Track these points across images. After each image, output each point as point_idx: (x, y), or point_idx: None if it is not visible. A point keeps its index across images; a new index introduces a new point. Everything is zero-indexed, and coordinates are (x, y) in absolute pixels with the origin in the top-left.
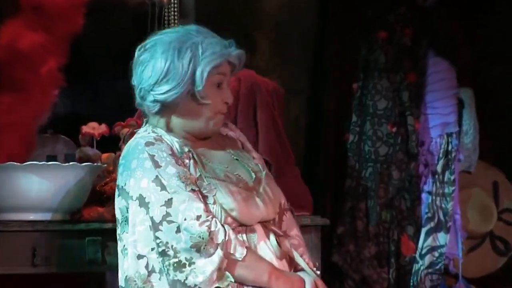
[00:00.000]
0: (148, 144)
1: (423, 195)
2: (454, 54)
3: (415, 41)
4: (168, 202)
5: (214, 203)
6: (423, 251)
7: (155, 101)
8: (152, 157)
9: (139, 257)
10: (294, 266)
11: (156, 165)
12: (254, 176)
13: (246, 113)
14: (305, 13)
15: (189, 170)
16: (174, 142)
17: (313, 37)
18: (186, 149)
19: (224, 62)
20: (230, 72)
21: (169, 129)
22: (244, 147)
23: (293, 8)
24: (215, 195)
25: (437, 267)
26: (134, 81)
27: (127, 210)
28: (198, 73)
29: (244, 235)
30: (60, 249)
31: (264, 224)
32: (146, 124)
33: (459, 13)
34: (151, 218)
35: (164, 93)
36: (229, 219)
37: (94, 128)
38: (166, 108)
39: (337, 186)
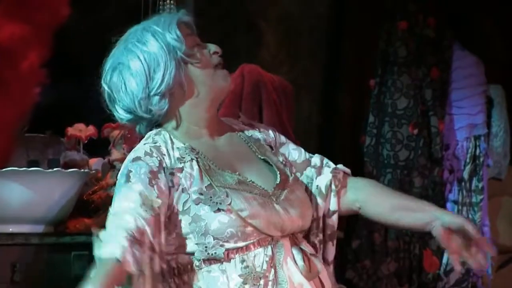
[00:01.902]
0: (135, 160)
1: (448, 205)
2: (483, 47)
3: (439, 32)
4: None
5: (230, 212)
6: (448, 268)
7: (161, 96)
8: (128, 173)
9: None
10: None
11: (127, 180)
12: (279, 179)
13: (250, 113)
14: (317, 0)
15: (193, 179)
16: (175, 150)
17: (326, 27)
18: (189, 158)
19: (181, 24)
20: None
21: (179, 128)
22: (277, 144)
23: None
24: (230, 203)
25: (464, 285)
26: (125, 107)
27: None
28: (169, 38)
29: (270, 250)
30: (43, 265)
31: (294, 239)
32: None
33: (487, 1)
34: None
35: (162, 81)
36: (249, 229)
37: (81, 130)
38: (175, 98)
39: None
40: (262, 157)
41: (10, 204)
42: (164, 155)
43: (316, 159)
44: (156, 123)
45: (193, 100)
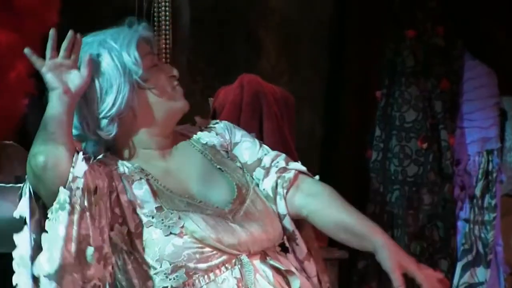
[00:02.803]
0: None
1: (459, 223)
2: (495, 57)
3: (449, 41)
4: None
5: (184, 235)
6: None
7: (110, 120)
8: None
9: None
10: None
11: None
12: (236, 193)
13: (250, 125)
14: (319, 6)
15: (143, 201)
16: (123, 166)
17: (328, 36)
18: (138, 177)
19: (140, 42)
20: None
21: (132, 155)
22: (231, 145)
23: (305, 1)
24: (182, 226)
25: None
26: (75, 129)
27: None
28: (126, 59)
29: (237, 271)
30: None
31: (265, 255)
32: None
33: (499, 8)
34: None
35: (113, 104)
36: (207, 249)
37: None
38: (125, 123)
39: None
40: (218, 167)
41: None
42: (112, 165)
43: (267, 158)
44: (105, 144)
45: (145, 125)
